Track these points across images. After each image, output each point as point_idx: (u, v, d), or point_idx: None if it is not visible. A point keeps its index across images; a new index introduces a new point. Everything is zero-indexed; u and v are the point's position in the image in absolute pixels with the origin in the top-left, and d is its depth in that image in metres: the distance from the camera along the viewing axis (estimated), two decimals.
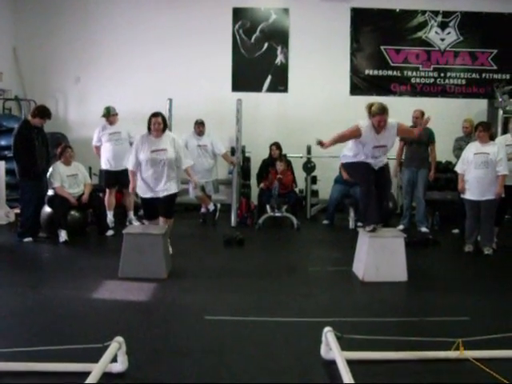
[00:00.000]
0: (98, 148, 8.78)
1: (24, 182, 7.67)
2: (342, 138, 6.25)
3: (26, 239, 7.65)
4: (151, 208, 6.69)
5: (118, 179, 8.59)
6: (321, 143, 6.25)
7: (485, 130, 7.30)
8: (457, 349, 3.72)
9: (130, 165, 6.67)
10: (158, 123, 6.50)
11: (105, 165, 8.72)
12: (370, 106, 6.09)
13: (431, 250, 7.73)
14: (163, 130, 6.59)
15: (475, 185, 7.26)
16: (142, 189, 6.67)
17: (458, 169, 7.62)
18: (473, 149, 7.37)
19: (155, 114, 6.57)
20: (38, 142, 7.65)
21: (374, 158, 6.23)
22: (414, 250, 7.12)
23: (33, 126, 7.63)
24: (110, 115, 8.63)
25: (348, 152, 6.37)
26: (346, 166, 6.63)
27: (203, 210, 9.55)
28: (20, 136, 7.55)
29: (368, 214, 6.22)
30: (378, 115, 5.99)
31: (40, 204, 7.85)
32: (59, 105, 11.10)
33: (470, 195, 7.36)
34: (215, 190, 9.53)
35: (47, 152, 7.95)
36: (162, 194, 6.57)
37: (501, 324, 4.54)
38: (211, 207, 9.33)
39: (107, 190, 8.73)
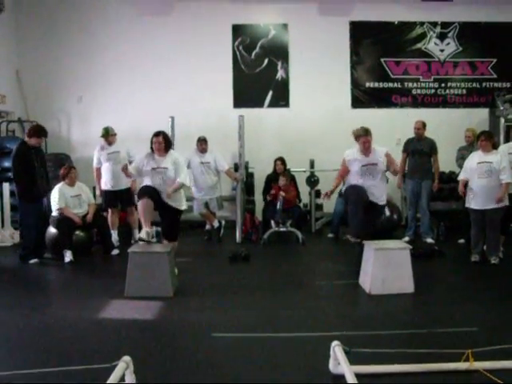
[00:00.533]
0: (98, 170, 8.75)
1: (24, 204, 7.66)
2: (341, 175, 6.71)
3: (32, 261, 7.64)
4: (150, 188, 6.44)
5: (119, 198, 8.63)
6: (327, 194, 6.55)
7: (487, 139, 7.26)
8: (466, 360, 3.70)
9: (131, 168, 6.64)
10: (159, 142, 6.47)
11: (105, 185, 8.71)
12: (354, 132, 6.58)
13: (437, 261, 7.70)
14: (166, 149, 6.55)
15: (479, 194, 7.19)
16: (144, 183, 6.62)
17: (460, 176, 7.56)
18: (476, 158, 7.32)
19: (156, 134, 6.53)
20: (37, 163, 7.65)
21: (368, 181, 6.48)
22: (420, 262, 7.08)
23: (30, 147, 7.62)
24: (108, 135, 8.64)
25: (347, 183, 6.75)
26: (344, 194, 6.85)
27: (208, 226, 9.55)
28: (18, 158, 7.54)
29: (351, 226, 6.51)
30: (362, 136, 6.45)
31: (42, 225, 7.85)
32: (62, 125, 11.14)
33: (474, 204, 7.28)
34: (219, 207, 9.50)
35: (46, 172, 7.96)
36: (167, 201, 6.46)
37: (510, 334, 4.52)
38: (216, 224, 9.33)
39: (109, 210, 8.76)
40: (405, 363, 3.81)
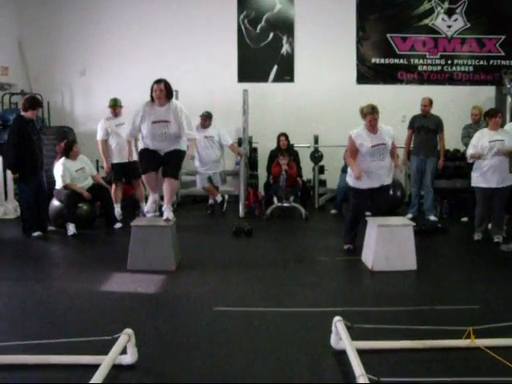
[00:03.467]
0: (104, 142, 8.54)
1: (22, 181, 7.65)
2: (351, 155, 6.53)
3: (35, 233, 7.65)
4: (150, 157, 6.21)
5: (125, 171, 8.55)
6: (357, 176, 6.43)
7: (500, 117, 7.18)
8: (468, 337, 3.70)
9: (126, 134, 6.41)
10: (160, 89, 6.01)
11: (114, 159, 8.54)
12: (361, 110, 6.48)
13: (440, 239, 7.70)
14: (167, 98, 6.11)
15: (492, 173, 7.05)
16: (144, 143, 6.31)
17: (470, 151, 7.24)
18: (486, 136, 7.13)
19: (158, 81, 6.07)
20: (34, 136, 7.62)
21: (377, 162, 6.43)
22: (423, 239, 7.10)
23: (27, 120, 7.54)
24: (117, 106, 8.55)
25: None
26: (349, 189, 6.89)
27: (211, 201, 9.57)
28: (17, 132, 7.46)
29: (346, 234, 6.80)
30: (369, 114, 6.36)
31: (43, 198, 7.83)
32: (65, 98, 11.09)
33: (484, 183, 7.13)
34: (222, 182, 9.52)
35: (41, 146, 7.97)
36: (167, 150, 6.21)
37: (511, 312, 4.52)
38: (219, 198, 9.33)
39: (114, 185, 8.63)
40: (406, 339, 3.82)
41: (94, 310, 4.76)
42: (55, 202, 8.03)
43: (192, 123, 6.42)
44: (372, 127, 6.41)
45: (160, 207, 6.58)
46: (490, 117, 7.25)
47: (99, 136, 8.58)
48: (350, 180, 6.66)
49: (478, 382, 3.28)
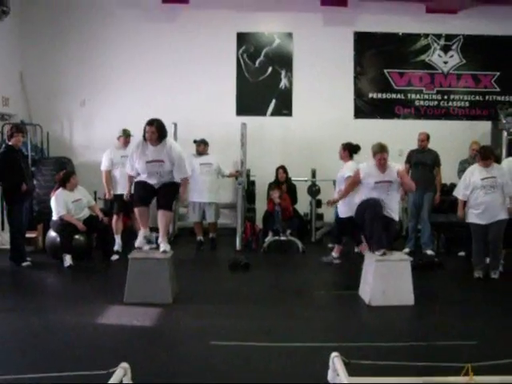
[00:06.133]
0: (108, 173, 8.39)
1: (13, 207, 7.74)
2: (349, 188, 6.72)
3: (25, 263, 7.69)
4: (144, 189, 6.21)
5: (127, 203, 8.39)
6: (329, 202, 6.88)
7: (491, 157, 7.18)
8: (466, 374, 3.67)
9: (128, 169, 6.42)
10: (152, 132, 6.05)
11: (118, 190, 8.32)
12: (372, 148, 6.59)
13: (438, 274, 7.68)
14: (159, 139, 6.13)
15: (484, 209, 7.10)
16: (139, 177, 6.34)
17: (459, 194, 7.38)
18: (477, 174, 7.18)
19: (149, 122, 6.10)
20: (23, 164, 7.84)
21: (381, 195, 6.45)
22: (421, 274, 7.06)
23: (15, 149, 7.80)
24: (128, 136, 8.41)
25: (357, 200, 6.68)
26: (356, 213, 6.73)
27: (199, 237, 9.30)
28: (5, 161, 7.67)
29: (375, 238, 6.29)
30: (378, 153, 6.46)
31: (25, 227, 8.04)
32: (64, 129, 11.13)
33: (479, 220, 7.16)
34: (216, 216, 9.33)
35: (30, 173, 8.25)
36: (162, 182, 6.23)
37: (510, 348, 4.50)
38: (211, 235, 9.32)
39: (115, 216, 8.46)
40: (404, 376, 3.79)
41: (89, 344, 4.71)
42: (51, 233, 8.02)
43: (186, 161, 6.44)
44: (381, 166, 6.49)
45: (156, 239, 6.56)
46: (483, 158, 7.16)
47: (104, 166, 8.44)
48: (343, 211, 7.14)
49: None
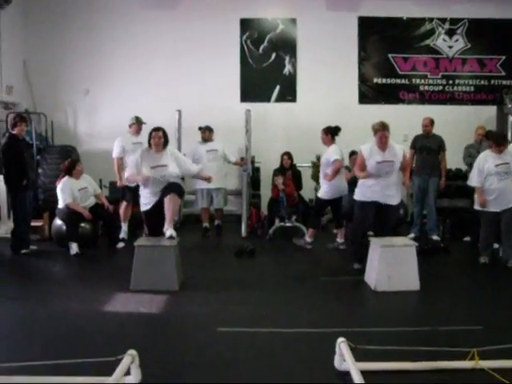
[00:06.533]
0: (120, 160, 8.28)
1: (17, 196, 7.78)
2: (360, 168, 6.66)
3: (24, 251, 7.75)
4: (156, 217, 6.32)
5: (137, 191, 8.31)
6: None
7: (505, 143, 7.08)
8: (472, 358, 3.70)
9: (128, 172, 6.67)
10: (159, 137, 6.45)
11: None
12: (372, 126, 6.64)
13: (443, 259, 7.70)
14: (164, 145, 6.54)
15: (499, 196, 6.99)
16: (144, 200, 6.50)
17: (474, 182, 7.21)
18: (491, 160, 7.05)
19: (156, 129, 6.51)
20: (26, 154, 7.89)
21: (383, 179, 6.52)
22: (426, 259, 7.07)
23: (19, 139, 7.81)
24: (141, 124, 8.39)
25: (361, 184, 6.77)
26: (356, 204, 6.88)
27: (205, 224, 9.35)
28: (9, 150, 7.70)
29: (353, 250, 6.91)
30: (379, 131, 6.51)
31: (29, 216, 8.05)
32: (69, 118, 11.14)
33: (493, 207, 7.04)
34: (225, 202, 9.45)
35: (33, 163, 8.33)
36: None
37: None
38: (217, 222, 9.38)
39: (125, 203, 8.41)
40: (410, 361, 3.81)
41: (96, 331, 4.74)
42: (58, 221, 8.05)
43: (189, 160, 6.98)
44: (382, 144, 6.51)
45: None
46: (497, 145, 7.06)
47: (115, 153, 8.36)
48: (359, 193, 6.76)
49: None
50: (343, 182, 8.03)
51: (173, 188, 6.30)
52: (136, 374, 3.58)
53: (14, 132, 7.75)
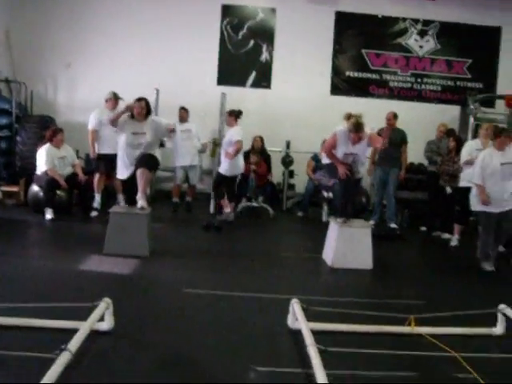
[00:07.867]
0: (95, 133, 8.58)
1: None
2: (329, 146, 6.69)
3: None
4: (131, 185, 6.73)
5: (111, 163, 8.11)
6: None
7: (505, 136, 6.64)
8: (410, 325, 4.15)
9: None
10: (141, 107, 6.71)
11: (103, 149, 8.57)
12: (348, 117, 6.50)
13: (398, 244, 8.18)
14: (146, 115, 6.79)
15: (499, 196, 6.58)
16: (120, 170, 6.91)
17: (477, 180, 6.67)
18: (495, 158, 6.59)
19: (139, 99, 6.76)
20: None
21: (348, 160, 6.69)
22: (382, 244, 7.48)
23: None
24: (117, 99, 8.65)
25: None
26: (327, 166, 7.02)
27: (175, 199, 9.71)
28: None
29: (342, 209, 6.75)
30: (353, 133, 6.43)
31: None
32: (49, 88, 11.34)
33: (494, 208, 6.59)
34: (199, 178, 9.86)
35: None
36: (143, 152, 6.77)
37: (452, 307, 4.96)
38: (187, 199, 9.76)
39: (98, 174, 8.70)
40: (357, 324, 4.25)
41: (72, 285, 5.08)
42: (34, 188, 8.32)
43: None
44: (355, 143, 6.51)
45: None
46: (495, 136, 6.72)
47: (91, 126, 8.61)
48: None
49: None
50: (241, 162, 8.73)
51: (145, 161, 6.65)
52: (109, 321, 3.92)
53: None
